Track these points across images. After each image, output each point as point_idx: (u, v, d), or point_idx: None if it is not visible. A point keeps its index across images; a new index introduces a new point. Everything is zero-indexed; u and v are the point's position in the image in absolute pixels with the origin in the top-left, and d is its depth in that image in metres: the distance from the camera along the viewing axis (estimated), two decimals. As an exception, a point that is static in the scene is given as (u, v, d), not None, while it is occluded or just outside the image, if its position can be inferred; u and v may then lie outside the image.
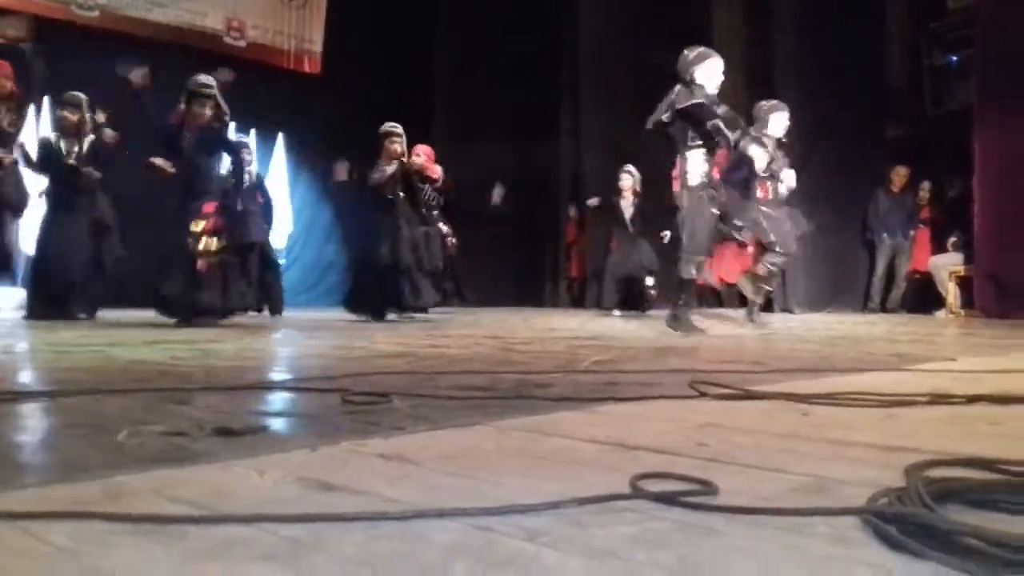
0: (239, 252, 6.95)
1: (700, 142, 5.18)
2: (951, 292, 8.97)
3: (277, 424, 1.61)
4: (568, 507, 0.96)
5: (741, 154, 5.91)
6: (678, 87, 5.24)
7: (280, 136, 11.63)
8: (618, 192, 9.35)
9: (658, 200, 9.46)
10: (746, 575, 0.76)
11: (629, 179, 9.31)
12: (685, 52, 5.32)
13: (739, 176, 5.96)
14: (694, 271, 5.24)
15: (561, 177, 13.66)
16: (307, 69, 11.89)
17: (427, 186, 8.25)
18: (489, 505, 0.97)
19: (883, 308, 9.83)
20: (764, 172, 6.14)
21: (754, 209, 6.00)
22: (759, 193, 6.11)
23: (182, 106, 6.12)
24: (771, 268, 6.16)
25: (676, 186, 5.32)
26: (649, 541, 0.86)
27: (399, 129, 7.51)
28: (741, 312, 6.76)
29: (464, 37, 12.64)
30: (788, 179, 6.32)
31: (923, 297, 9.69)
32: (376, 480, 1.13)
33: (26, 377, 2.80)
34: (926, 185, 9.97)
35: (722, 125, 5.08)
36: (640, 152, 10.10)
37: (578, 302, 12.57)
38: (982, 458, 1.21)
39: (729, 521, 0.93)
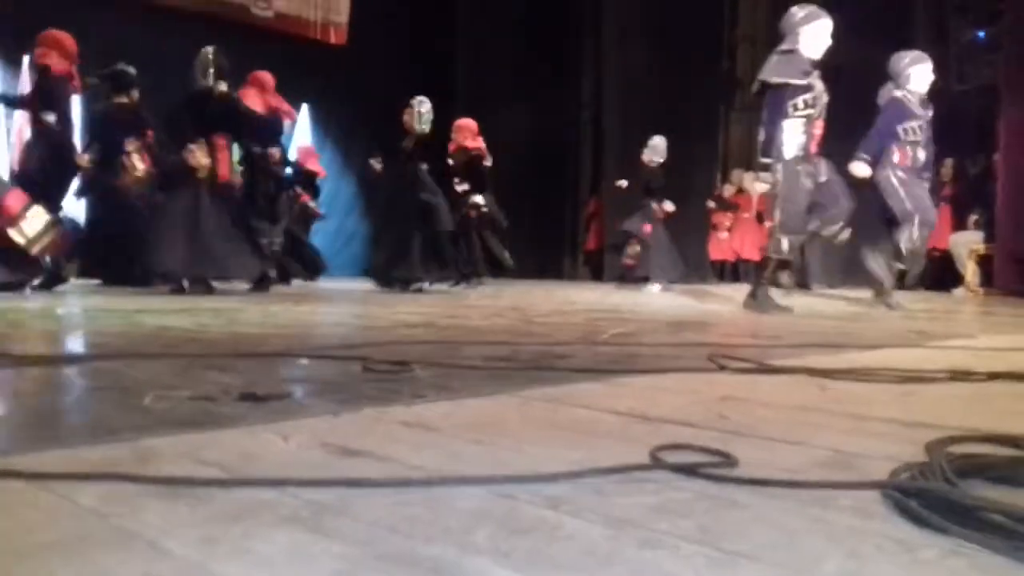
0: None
1: (799, 111, 4.80)
2: (970, 270, 8.88)
3: (301, 391, 1.62)
4: (590, 476, 0.97)
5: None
6: (778, 48, 4.89)
7: (305, 107, 11.62)
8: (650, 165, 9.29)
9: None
10: (768, 546, 0.76)
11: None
12: (794, 9, 4.93)
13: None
14: (786, 249, 4.88)
15: (581, 149, 13.60)
16: (333, 40, 11.88)
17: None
18: (512, 473, 0.98)
19: (901, 285, 9.75)
20: (909, 136, 5.46)
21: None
22: (895, 158, 5.45)
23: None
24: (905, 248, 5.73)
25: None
26: (670, 511, 0.86)
27: (424, 99, 7.66)
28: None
29: (487, 8, 12.57)
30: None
31: (941, 275, 9.59)
32: (399, 447, 1.14)
33: (59, 342, 2.83)
34: (949, 162, 9.84)
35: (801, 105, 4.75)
36: (662, 120, 10.05)
37: (596, 275, 12.58)
38: (1004, 434, 1.21)
39: (751, 493, 0.93)
